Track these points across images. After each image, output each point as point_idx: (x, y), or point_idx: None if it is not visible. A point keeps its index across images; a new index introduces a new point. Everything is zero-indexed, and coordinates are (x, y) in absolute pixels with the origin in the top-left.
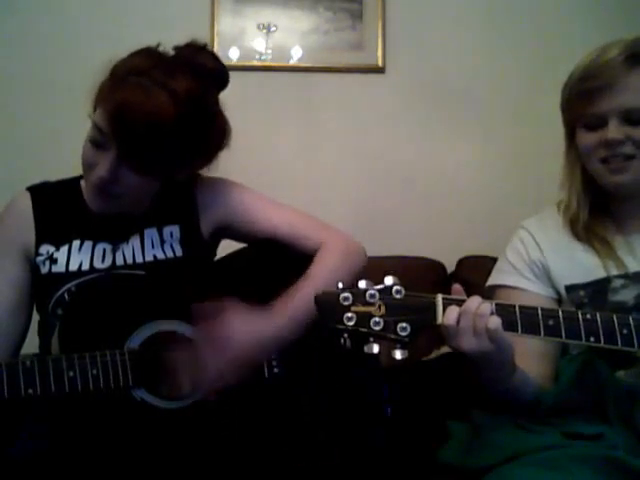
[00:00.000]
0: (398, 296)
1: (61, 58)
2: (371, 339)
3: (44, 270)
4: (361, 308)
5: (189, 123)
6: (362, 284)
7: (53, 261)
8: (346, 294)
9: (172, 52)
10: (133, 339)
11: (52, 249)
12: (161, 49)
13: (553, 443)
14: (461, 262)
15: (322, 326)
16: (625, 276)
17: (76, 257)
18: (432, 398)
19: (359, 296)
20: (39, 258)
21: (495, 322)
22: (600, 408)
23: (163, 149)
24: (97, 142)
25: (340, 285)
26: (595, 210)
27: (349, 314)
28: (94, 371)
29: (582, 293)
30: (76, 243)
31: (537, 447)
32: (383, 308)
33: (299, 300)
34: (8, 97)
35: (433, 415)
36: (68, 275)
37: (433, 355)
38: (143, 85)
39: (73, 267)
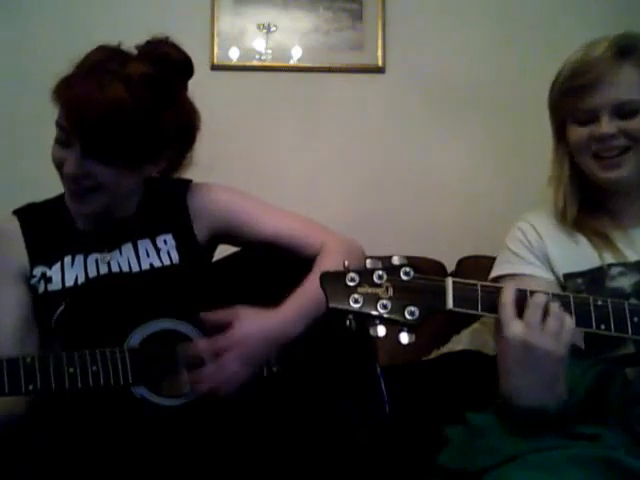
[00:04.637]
0: (406, 278)
1: (56, 58)
2: (377, 322)
3: (40, 290)
4: (368, 289)
5: (148, 106)
6: (369, 264)
7: (48, 280)
8: (352, 274)
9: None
10: (133, 337)
11: (45, 269)
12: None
13: (551, 444)
14: (461, 262)
15: (327, 307)
16: (623, 264)
17: (70, 272)
18: (431, 399)
19: (366, 277)
20: (33, 280)
21: (571, 323)
22: (599, 408)
23: (125, 136)
24: (62, 140)
25: (346, 264)
26: (588, 205)
27: (356, 295)
28: (94, 368)
29: (580, 281)
30: (67, 259)
31: (535, 448)
32: (391, 290)
33: (304, 299)
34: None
35: (432, 417)
36: (65, 291)
37: (433, 355)
38: (95, 76)
39: (69, 282)
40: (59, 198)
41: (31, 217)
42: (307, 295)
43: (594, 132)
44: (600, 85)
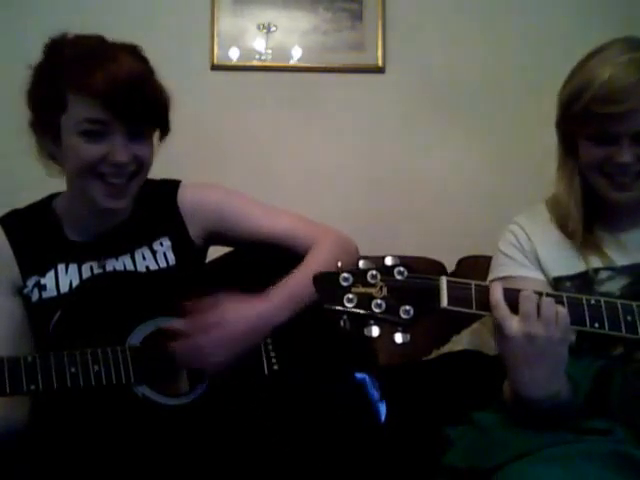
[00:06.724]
0: (400, 277)
1: None
2: (371, 322)
3: (35, 299)
4: (362, 289)
5: (151, 70)
6: (362, 264)
7: (42, 287)
8: (346, 274)
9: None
10: (134, 336)
11: (38, 278)
12: None
13: (563, 439)
14: (461, 262)
15: (321, 307)
16: (612, 269)
17: (64, 279)
18: (432, 399)
19: (360, 277)
20: (26, 290)
21: (564, 310)
22: (600, 404)
23: (155, 102)
24: (99, 134)
25: (340, 264)
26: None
27: (350, 295)
28: (96, 367)
29: (569, 284)
30: (61, 266)
31: (546, 443)
32: (385, 290)
33: (293, 285)
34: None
35: (432, 418)
36: (61, 297)
37: (433, 355)
38: (106, 57)
39: (64, 289)
40: (44, 203)
41: (17, 225)
42: (295, 281)
43: (612, 157)
44: (629, 114)
